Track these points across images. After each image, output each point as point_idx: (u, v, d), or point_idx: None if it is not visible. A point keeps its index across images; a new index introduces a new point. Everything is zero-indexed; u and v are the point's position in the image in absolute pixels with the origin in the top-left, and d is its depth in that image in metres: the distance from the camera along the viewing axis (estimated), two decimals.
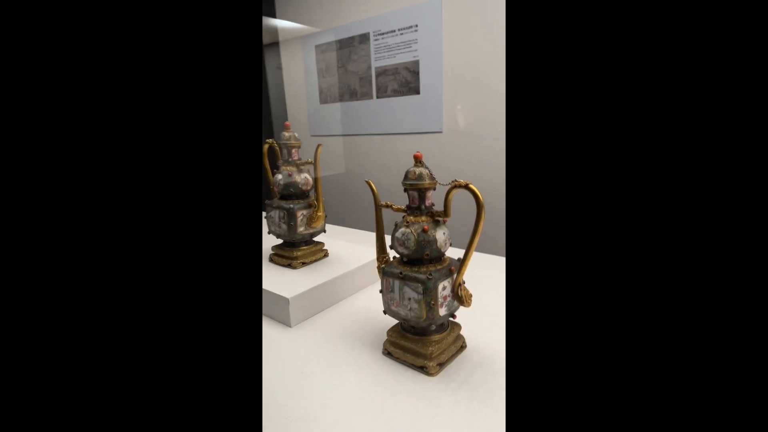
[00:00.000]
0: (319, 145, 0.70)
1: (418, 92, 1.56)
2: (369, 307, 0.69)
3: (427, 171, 0.49)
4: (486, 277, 0.77)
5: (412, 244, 0.48)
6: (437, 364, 0.50)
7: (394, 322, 0.59)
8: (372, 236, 1.09)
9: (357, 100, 1.79)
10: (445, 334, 0.52)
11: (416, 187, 0.49)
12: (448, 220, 0.50)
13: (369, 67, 1.70)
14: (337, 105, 1.89)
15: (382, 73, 1.66)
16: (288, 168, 0.74)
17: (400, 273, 0.49)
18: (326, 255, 0.81)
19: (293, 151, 0.75)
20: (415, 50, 1.53)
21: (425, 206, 0.50)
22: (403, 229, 0.49)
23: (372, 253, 0.81)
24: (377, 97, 1.71)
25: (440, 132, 1.53)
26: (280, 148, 0.76)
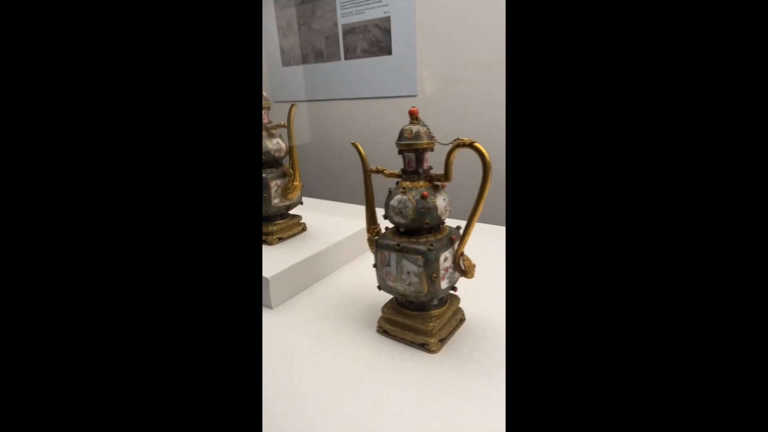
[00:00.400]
0: (292, 105, 0.62)
1: (389, 52, 1.46)
2: (355, 282, 0.65)
3: (425, 129, 0.43)
4: (477, 246, 0.74)
5: (410, 212, 0.43)
6: (438, 340, 0.46)
7: (384, 297, 0.55)
8: (351, 207, 1.03)
9: (323, 61, 1.67)
10: (444, 308, 0.48)
11: (413, 148, 0.43)
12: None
13: (335, 25, 1.57)
14: (301, 67, 1.75)
15: (350, 31, 1.54)
16: None
17: (398, 245, 0.44)
18: (304, 229, 0.75)
19: (262, 113, 0.66)
20: (386, 5, 1.42)
21: (423, 169, 0.44)
22: (399, 196, 0.44)
23: (354, 225, 0.76)
24: (345, 59, 1.60)
25: (414, 96, 1.46)
26: None
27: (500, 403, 0.38)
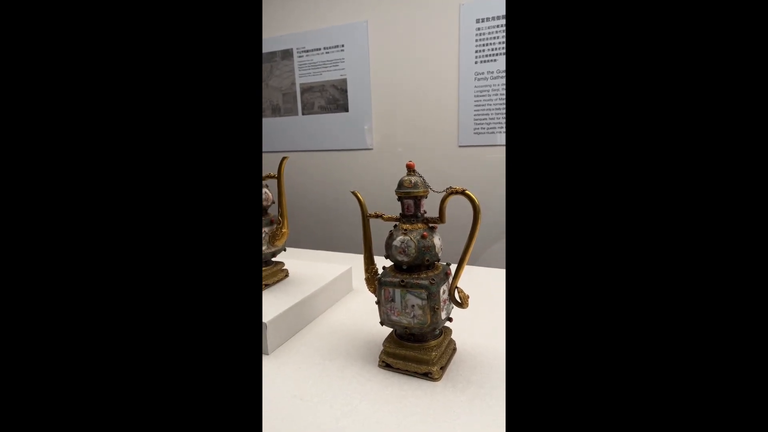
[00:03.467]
0: (284, 158, 0.67)
1: (347, 110, 1.58)
2: (345, 323, 0.67)
3: (421, 179, 0.50)
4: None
5: (412, 251, 0.49)
6: (440, 368, 0.51)
7: (378, 334, 0.58)
8: (323, 254, 1.06)
9: (280, 116, 1.74)
10: (441, 338, 0.53)
11: (411, 195, 0.50)
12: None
13: (293, 84, 1.67)
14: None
15: (307, 89, 1.65)
16: None
17: (402, 281, 0.49)
18: (287, 275, 0.76)
19: None
20: (343, 69, 1.55)
21: (420, 214, 0.51)
22: (401, 237, 0.50)
23: (334, 270, 0.79)
24: (303, 114, 1.69)
25: (371, 149, 1.57)
26: None
27: (504, 420, 0.43)
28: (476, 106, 1.37)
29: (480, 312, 0.68)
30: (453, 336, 0.57)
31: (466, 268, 0.51)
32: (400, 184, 0.50)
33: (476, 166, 1.41)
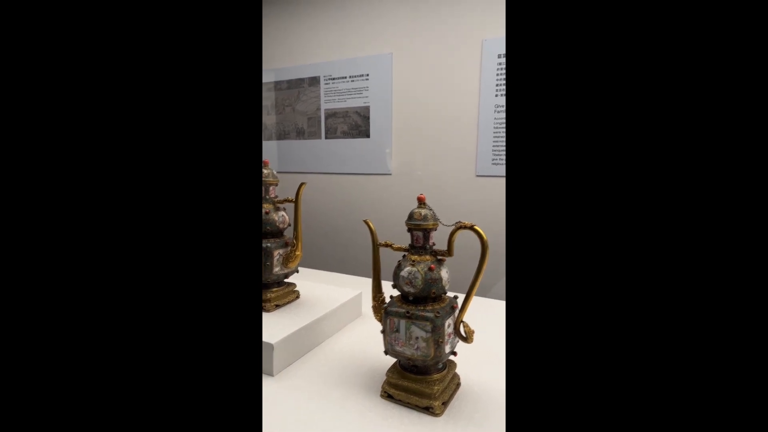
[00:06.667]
0: (302, 184, 0.69)
1: (368, 136, 1.62)
2: (352, 349, 0.67)
3: (431, 212, 0.52)
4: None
5: (419, 282, 0.49)
6: (441, 403, 0.50)
7: (384, 362, 0.58)
8: (335, 276, 1.08)
9: (304, 139, 1.80)
10: (445, 372, 0.53)
11: (421, 228, 0.51)
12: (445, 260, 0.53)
13: (318, 109, 1.74)
14: (283, 143, 1.87)
15: (331, 115, 1.71)
16: (265, 206, 0.71)
17: (407, 312, 0.50)
18: (298, 296, 0.78)
19: (270, 188, 0.73)
20: (366, 97, 1.61)
21: (429, 245, 0.52)
22: (409, 268, 0.50)
23: (344, 294, 0.80)
24: (326, 138, 1.74)
25: (389, 174, 1.60)
26: None
27: None
28: (495, 137, 1.39)
29: (487, 346, 0.67)
30: (458, 370, 0.57)
31: (476, 300, 0.51)
32: (410, 216, 0.52)
33: (493, 196, 1.41)
